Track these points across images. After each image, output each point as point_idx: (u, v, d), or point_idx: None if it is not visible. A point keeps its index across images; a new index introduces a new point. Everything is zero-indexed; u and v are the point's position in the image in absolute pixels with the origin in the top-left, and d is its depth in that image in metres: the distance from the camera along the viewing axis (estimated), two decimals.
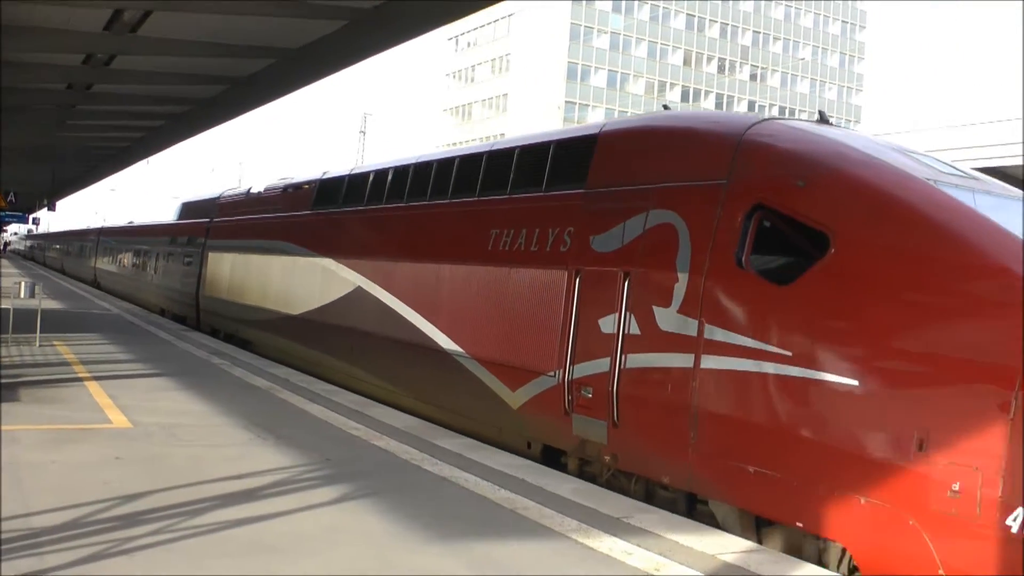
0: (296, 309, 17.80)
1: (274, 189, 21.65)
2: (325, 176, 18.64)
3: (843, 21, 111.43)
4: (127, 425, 10.40)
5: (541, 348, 10.15)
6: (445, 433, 11.11)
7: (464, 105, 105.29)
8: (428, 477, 8.78)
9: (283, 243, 19.15)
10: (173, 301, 29.28)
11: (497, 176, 12.04)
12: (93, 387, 12.87)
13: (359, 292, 15.00)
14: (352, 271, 15.39)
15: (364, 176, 16.36)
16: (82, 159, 37.99)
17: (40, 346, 17.21)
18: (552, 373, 9.88)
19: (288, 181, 21.25)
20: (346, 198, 16.74)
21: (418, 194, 13.96)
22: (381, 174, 15.66)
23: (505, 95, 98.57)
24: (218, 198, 26.91)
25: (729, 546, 7.06)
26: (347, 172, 17.52)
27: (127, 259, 39.33)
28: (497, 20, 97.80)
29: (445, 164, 13.61)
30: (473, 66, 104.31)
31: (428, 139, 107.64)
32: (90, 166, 42.21)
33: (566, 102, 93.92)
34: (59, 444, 9.20)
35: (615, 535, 7.09)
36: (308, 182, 19.49)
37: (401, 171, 14.88)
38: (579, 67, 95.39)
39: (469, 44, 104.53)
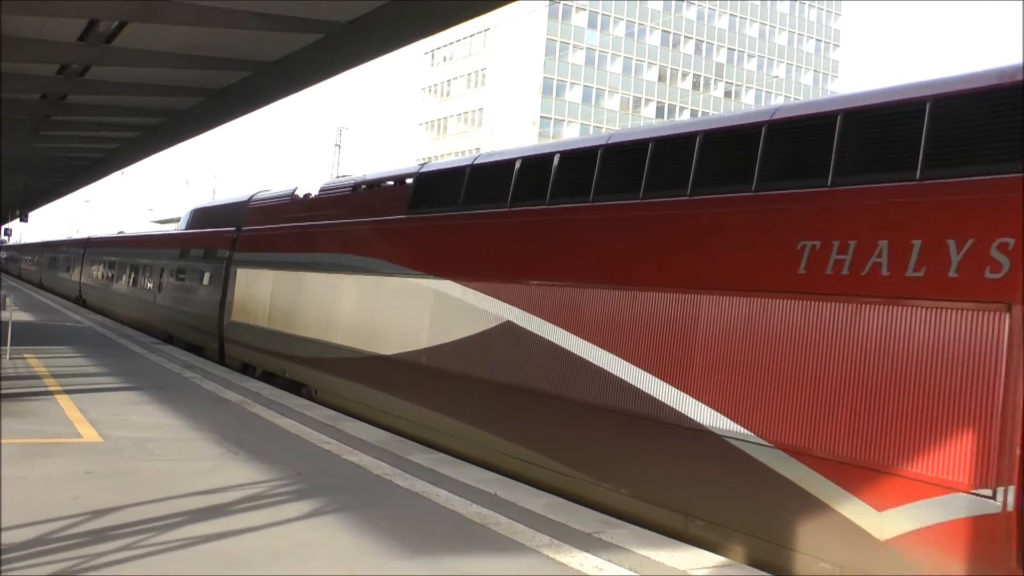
0: (388, 348, 13.61)
1: (336, 189, 17.68)
2: (427, 169, 14.37)
3: (817, 40, 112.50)
4: (97, 439, 10.34)
5: (951, 446, 6.40)
6: (417, 448, 11.09)
7: (440, 119, 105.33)
8: (400, 492, 8.78)
9: (359, 258, 15.02)
10: (185, 326, 24.42)
11: (797, 158, 8.20)
12: (64, 400, 12.77)
13: (509, 330, 10.90)
14: (495, 299, 11.23)
15: (503, 166, 12.21)
16: (56, 170, 37.70)
17: (10, 359, 17.05)
18: (986, 491, 6.14)
19: (360, 178, 17.25)
20: (472, 197, 12.60)
21: (621, 189, 9.97)
22: (536, 162, 11.56)
23: (481, 109, 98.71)
24: (248, 202, 22.61)
25: (700, 561, 7.10)
26: (467, 162, 13.23)
27: (121, 274, 34.38)
28: (473, 35, 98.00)
29: (672, 143, 9.58)
30: (449, 80, 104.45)
31: (404, 153, 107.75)
32: (64, 177, 41.90)
33: (541, 117, 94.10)
34: (28, 459, 9.12)
35: (586, 550, 7.12)
36: (396, 177, 15.42)
37: (578, 156, 10.91)
38: (554, 82, 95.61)
39: (445, 58, 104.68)
